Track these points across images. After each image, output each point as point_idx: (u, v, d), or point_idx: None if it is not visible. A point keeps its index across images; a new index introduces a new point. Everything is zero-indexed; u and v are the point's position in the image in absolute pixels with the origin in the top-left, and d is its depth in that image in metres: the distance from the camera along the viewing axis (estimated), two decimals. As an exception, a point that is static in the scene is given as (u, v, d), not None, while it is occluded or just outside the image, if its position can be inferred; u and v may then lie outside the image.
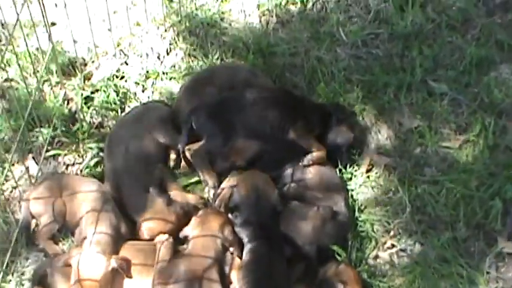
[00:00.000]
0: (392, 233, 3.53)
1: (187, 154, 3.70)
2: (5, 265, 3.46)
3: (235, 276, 3.29)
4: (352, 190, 3.66)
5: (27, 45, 3.78)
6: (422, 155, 3.73)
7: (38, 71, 3.91)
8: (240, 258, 3.34)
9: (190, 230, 3.40)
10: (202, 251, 3.30)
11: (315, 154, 3.63)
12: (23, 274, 3.50)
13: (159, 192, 3.56)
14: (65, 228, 3.58)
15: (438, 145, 3.72)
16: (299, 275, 3.34)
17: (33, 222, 3.57)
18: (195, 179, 3.75)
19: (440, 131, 3.78)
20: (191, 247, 3.34)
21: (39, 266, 3.49)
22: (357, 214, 3.58)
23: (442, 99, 3.88)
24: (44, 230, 3.54)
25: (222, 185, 3.57)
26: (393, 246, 3.49)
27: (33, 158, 3.86)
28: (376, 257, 3.48)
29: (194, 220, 3.43)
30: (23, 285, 3.46)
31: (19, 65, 3.82)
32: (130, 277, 3.31)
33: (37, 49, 4.01)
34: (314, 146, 3.66)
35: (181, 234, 3.42)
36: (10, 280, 3.47)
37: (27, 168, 3.75)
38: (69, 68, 4.14)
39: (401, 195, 3.58)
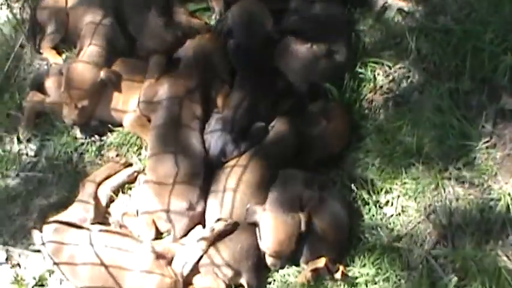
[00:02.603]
0: (391, 77, 3.36)
1: (196, -21, 3.61)
2: (6, 68, 3.55)
3: (220, 101, 3.26)
4: (360, 31, 3.49)
5: None
6: (441, 2, 3.46)
7: None
8: (229, 85, 3.30)
9: (183, 52, 3.36)
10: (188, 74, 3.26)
11: (325, -11, 3.45)
12: (24, 79, 3.61)
13: (160, 12, 3.50)
14: (68, 39, 3.62)
15: (460, -7, 3.45)
16: (286, 108, 3.27)
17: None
18: (204, 5, 3.67)
19: (465, -22, 3.49)
20: (180, 68, 3.31)
21: (39, 73, 3.58)
22: (359, 55, 3.42)
23: None
24: (47, 39, 3.60)
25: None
26: (390, 91, 3.33)
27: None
28: (371, 100, 3.34)
29: (188, 42, 3.38)
30: (23, 91, 3.56)
31: None
32: (120, 91, 3.34)
33: None
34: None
35: (175, 55, 3.38)
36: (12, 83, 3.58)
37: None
38: None
39: (409, 41, 3.38)
